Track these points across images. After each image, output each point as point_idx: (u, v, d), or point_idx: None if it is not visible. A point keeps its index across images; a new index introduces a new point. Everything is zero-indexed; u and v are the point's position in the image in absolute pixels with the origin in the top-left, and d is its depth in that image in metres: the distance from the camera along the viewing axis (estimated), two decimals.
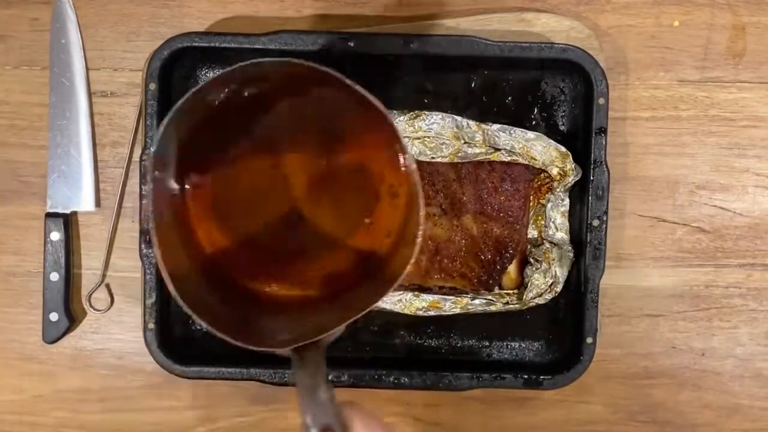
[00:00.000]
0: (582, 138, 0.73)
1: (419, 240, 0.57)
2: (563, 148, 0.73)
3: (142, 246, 0.72)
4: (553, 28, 0.75)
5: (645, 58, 0.77)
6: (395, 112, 0.72)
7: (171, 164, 0.58)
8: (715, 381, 0.79)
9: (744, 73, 0.77)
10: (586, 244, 0.73)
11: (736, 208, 0.78)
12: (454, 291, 0.75)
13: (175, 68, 0.74)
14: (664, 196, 0.78)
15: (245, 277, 0.63)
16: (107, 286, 0.78)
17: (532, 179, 0.74)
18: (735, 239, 0.78)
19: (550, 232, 0.74)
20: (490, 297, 0.74)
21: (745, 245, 0.78)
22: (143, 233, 0.72)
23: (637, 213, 0.78)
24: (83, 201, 0.77)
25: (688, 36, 0.77)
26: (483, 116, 0.75)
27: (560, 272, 0.73)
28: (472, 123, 0.72)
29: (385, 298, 0.71)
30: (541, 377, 0.74)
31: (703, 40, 0.77)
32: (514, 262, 0.75)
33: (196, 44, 0.72)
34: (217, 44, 0.71)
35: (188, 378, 0.74)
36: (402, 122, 0.71)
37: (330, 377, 0.73)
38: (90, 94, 0.77)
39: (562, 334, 0.77)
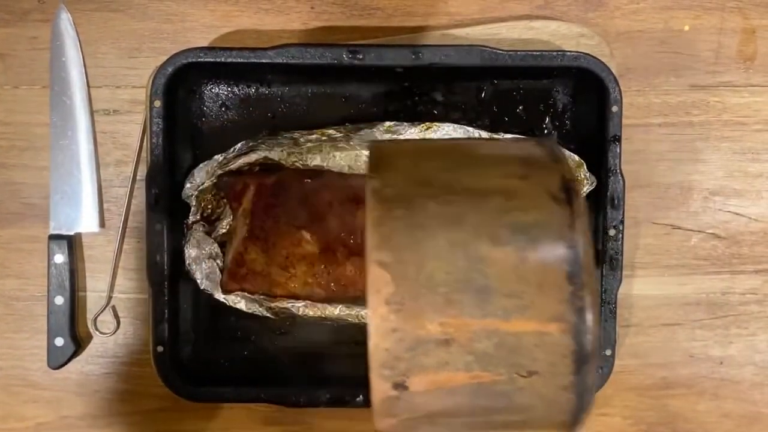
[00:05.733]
0: (596, 146, 0.72)
1: None
2: (577, 157, 0.72)
3: (150, 267, 0.71)
4: (563, 36, 0.74)
5: (655, 64, 0.76)
6: (406, 124, 0.71)
7: None
8: (734, 390, 0.78)
9: (756, 76, 0.77)
10: (602, 255, 0.72)
11: (751, 214, 0.77)
12: None
13: (179, 84, 0.72)
14: (678, 203, 0.77)
15: None
16: (113, 308, 0.76)
17: None
18: (750, 245, 0.77)
19: None
20: None
21: (761, 251, 0.77)
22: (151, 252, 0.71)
23: (651, 221, 0.77)
24: (87, 222, 0.75)
25: (698, 41, 0.76)
26: (494, 126, 0.74)
27: None
28: (483, 133, 0.71)
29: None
30: None
31: (714, 44, 0.76)
32: None
33: (201, 59, 0.70)
34: (222, 59, 0.70)
35: (199, 401, 0.72)
36: (413, 134, 0.70)
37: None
38: (92, 113, 0.75)
39: None
